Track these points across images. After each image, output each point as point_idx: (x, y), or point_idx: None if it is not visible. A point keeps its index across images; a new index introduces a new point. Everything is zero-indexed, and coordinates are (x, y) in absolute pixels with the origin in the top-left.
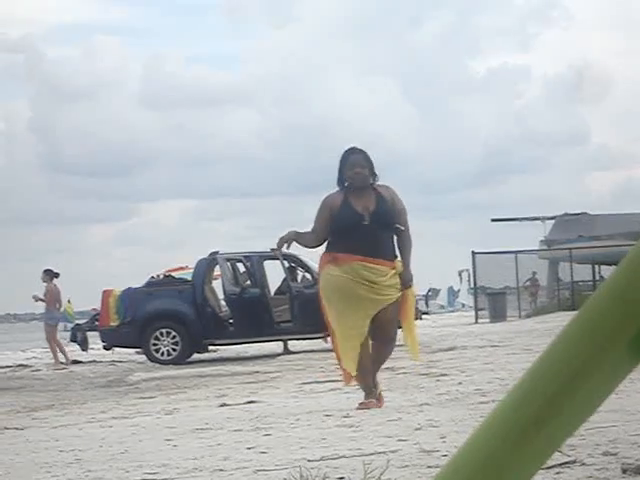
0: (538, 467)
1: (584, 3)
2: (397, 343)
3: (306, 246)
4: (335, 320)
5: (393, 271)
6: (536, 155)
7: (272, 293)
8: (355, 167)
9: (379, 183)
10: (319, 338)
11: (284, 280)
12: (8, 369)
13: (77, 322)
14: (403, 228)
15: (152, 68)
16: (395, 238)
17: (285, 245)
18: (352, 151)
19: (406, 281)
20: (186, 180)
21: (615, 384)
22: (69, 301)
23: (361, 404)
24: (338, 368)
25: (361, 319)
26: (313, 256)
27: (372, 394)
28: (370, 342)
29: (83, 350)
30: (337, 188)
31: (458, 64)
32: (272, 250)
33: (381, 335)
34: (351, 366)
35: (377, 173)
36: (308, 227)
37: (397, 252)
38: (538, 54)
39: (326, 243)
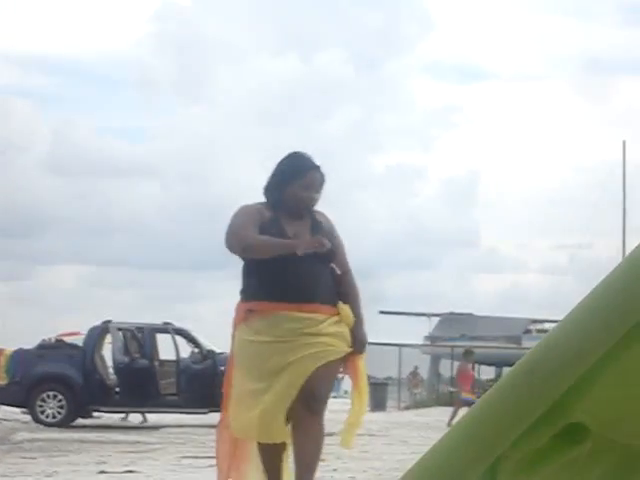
0: None
1: (484, 110)
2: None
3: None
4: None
5: (336, 317)
6: (427, 252)
7: (160, 365)
8: (312, 190)
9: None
10: (203, 413)
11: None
12: None
13: None
14: (340, 272)
15: (61, 135)
16: (335, 284)
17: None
18: (312, 165)
19: (360, 342)
20: (84, 247)
21: None
22: None
23: None
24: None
25: (280, 393)
26: (203, 330)
27: None
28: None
29: None
30: (260, 200)
31: (360, 159)
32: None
33: (305, 411)
34: (244, 428)
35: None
36: (199, 301)
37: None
38: (436, 155)
39: (241, 288)
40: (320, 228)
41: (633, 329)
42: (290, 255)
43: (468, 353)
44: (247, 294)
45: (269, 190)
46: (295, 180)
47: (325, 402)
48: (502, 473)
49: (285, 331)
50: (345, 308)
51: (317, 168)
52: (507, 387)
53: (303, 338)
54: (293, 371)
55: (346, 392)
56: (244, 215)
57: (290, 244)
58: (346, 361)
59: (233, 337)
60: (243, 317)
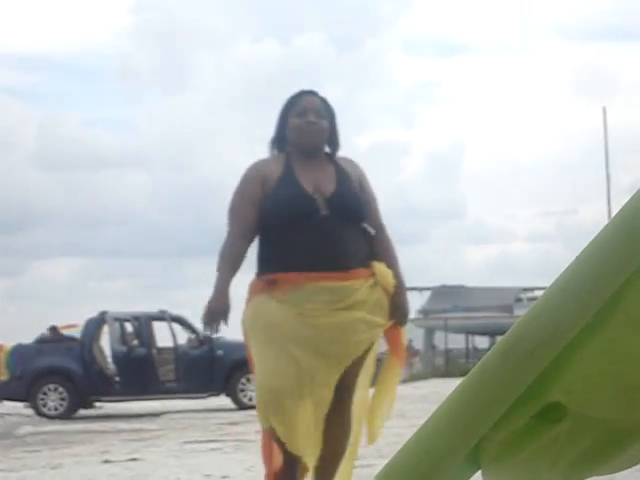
0: None
1: (464, 83)
2: None
3: (227, 279)
4: (263, 377)
5: (371, 280)
6: (415, 227)
7: (158, 353)
8: (309, 113)
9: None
10: (203, 398)
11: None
12: None
13: None
14: (373, 230)
15: (48, 130)
16: (368, 245)
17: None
18: (304, 92)
19: (402, 312)
20: (77, 239)
21: None
22: None
23: None
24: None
25: (319, 377)
26: (199, 316)
27: None
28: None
29: None
30: (272, 152)
31: (345, 138)
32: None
33: (338, 413)
34: (296, 441)
35: (338, 139)
36: (193, 287)
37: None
38: (420, 131)
39: (258, 260)
40: (346, 178)
41: (606, 307)
42: (314, 218)
43: None
44: (268, 265)
45: (275, 139)
46: (289, 113)
47: (353, 390)
48: (485, 455)
49: (317, 304)
50: (381, 267)
51: (312, 92)
52: (484, 370)
53: (337, 315)
54: (325, 368)
55: None
56: (242, 194)
57: (217, 296)
58: (384, 334)
59: (244, 313)
60: (262, 288)
